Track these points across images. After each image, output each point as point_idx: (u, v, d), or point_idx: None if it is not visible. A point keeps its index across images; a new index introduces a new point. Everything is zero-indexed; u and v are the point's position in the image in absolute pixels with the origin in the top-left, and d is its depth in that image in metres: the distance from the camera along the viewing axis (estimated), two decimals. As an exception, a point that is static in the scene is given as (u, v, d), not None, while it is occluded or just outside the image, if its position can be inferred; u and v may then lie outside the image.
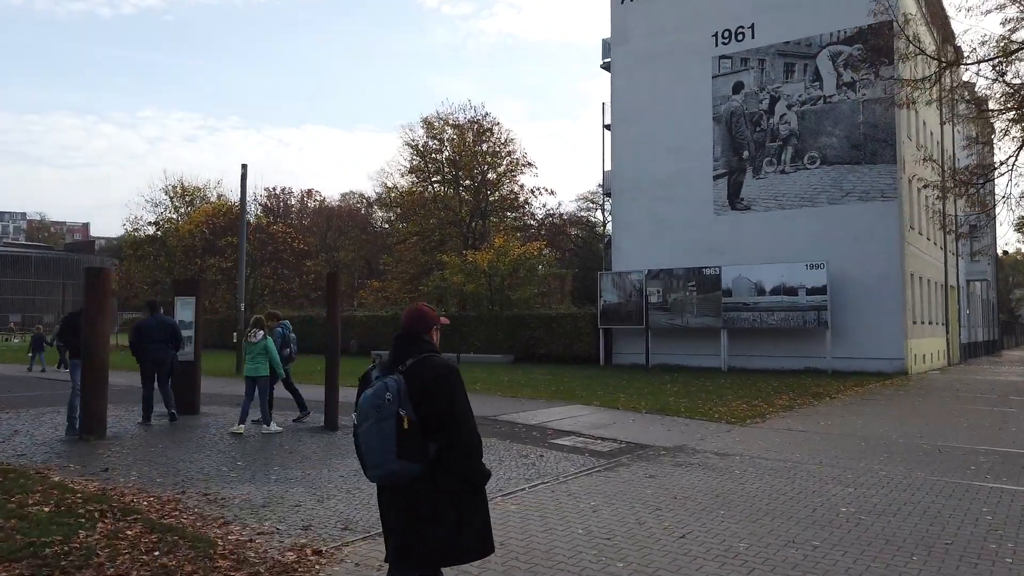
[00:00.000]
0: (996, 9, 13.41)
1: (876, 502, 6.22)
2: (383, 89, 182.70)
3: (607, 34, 28.07)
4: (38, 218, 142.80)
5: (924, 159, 20.63)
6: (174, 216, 48.51)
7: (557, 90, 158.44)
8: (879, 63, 21.47)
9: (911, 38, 14.16)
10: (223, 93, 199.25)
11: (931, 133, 27.46)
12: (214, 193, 50.03)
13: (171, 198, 48.73)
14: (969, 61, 13.15)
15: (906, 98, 14.41)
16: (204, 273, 43.04)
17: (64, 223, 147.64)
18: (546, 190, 56.88)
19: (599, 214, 48.72)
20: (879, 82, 21.41)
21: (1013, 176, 13.72)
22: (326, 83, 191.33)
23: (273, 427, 9.40)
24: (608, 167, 28.32)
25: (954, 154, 28.06)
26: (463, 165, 44.58)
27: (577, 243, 52.37)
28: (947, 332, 28.50)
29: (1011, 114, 15.75)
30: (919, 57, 15.55)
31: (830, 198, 22.53)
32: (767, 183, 23.64)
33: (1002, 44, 13.77)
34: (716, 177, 24.53)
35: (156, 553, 4.57)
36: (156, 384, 9.96)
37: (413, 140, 46.01)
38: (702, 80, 24.93)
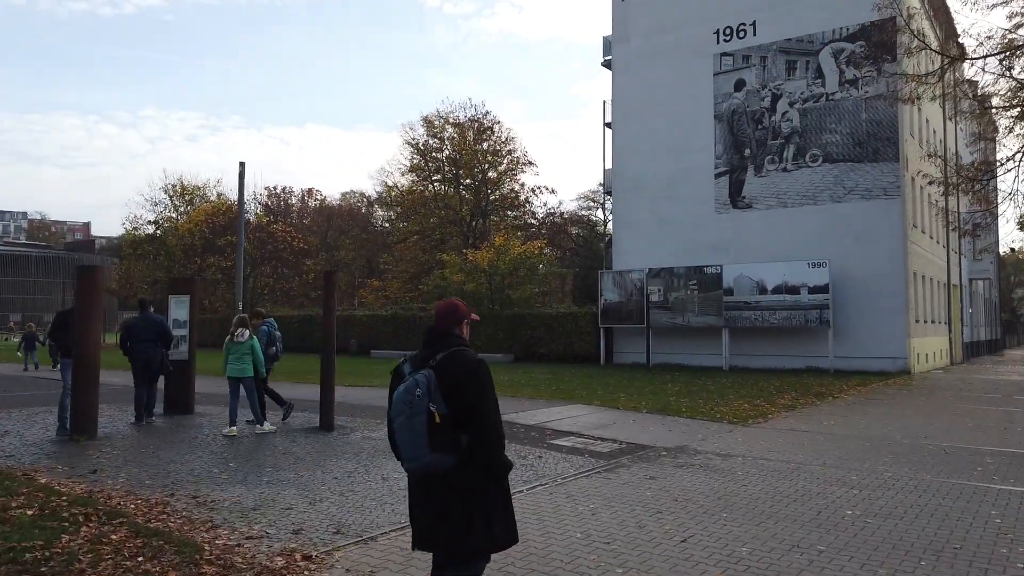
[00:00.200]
0: (1002, 3, 13.23)
1: (882, 504, 6.08)
2: (384, 88, 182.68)
3: (608, 32, 27.92)
4: (39, 217, 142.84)
5: (929, 155, 20.45)
6: (174, 215, 48.39)
7: (558, 89, 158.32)
8: (882, 60, 21.31)
9: (916, 32, 13.98)
10: (224, 93, 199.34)
11: (934, 131, 27.29)
12: (214, 192, 49.92)
13: (171, 197, 48.62)
14: (975, 56, 12.97)
15: (910, 93, 14.23)
16: (204, 272, 42.93)
17: (65, 223, 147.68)
18: (547, 189, 57.06)
19: (600, 213, 48.56)
20: (882, 79, 21.25)
21: (1020, 173, 13.53)
22: (328, 83, 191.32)
23: (267, 426, 9.26)
24: (609, 165, 28.17)
25: (957, 152, 27.86)
26: (463, 164, 44.44)
27: (578, 242, 52.21)
28: (950, 331, 28.34)
29: (1015, 111, 15.58)
30: (923, 53, 15.39)
31: (832, 196, 22.37)
32: (769, 181, 23.47)
33: (1008, 39, 13.60)
34: (717, 175, 24.36)
35: (140, 559, 4.43)
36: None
37: (413, 139, 45.93)
38: (703, 77, 24.77)
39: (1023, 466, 7.74)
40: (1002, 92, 14.52)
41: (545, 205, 56.82)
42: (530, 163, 46.50)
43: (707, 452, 8.39)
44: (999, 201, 16.33)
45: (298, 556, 4.62)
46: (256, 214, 48.71)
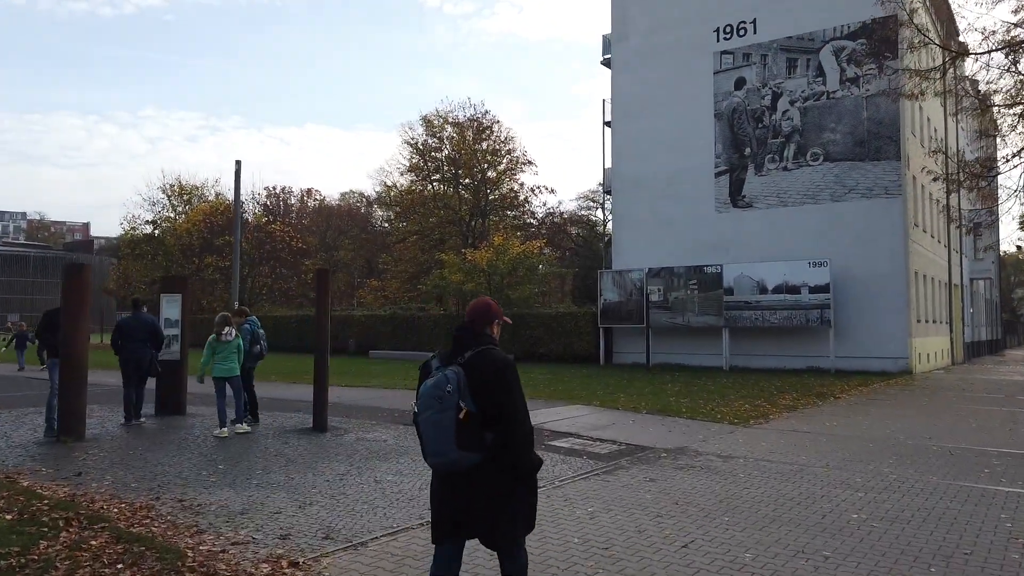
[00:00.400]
0: (1006, -3, 13.05)
1: (888, 508, 5.91)
2: (384, 89, 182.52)
3: (608, 30, 27.76)
4: (38, 218, 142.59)
5: (934, 151, 20.30)
6: (171, 215, 48.21)
7: (558, 89, 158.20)
8: (883, 58, 21.15)
9: (920, 27, 13.82)
10: (224, 93, 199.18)
11: (935, 129, 27.13)
12: (212, 192, 49.74)
13: (168, 197, 48.44)
14: (979, 51, 12.82)
15: (913, 88, 14.06)
16: (202, 272, 42.75)
17: (64, 223, 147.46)
18: (546, 188, 56.81)
19: (600, 213, 48.40)
20: (883, 76, 21.10)
21: None
22: (328, 83, 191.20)
23: (243, 427, 9.05)
24: (608, 165, 28.00)
25: (958, 150, 27.73)
26: (463, 163, 44.27)
27: (577, 242, 52.07)
28: (951, 331, 28.18)
29: (1019, 108, 15.42)
30: (926, 48, 15.23)
31: (833, 195, 22.21)
32: (769, 180, 23.32)
33: (1011, 35, 13.44)
34: (718, 174, 24.20)
35: (120, 566, 4.26)
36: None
37: (412, 138, 45.76)
38: (703, 76, 24.61)
39: (1031, 468, 7.57)
40: (1007, 88, 14.35)
41: (544, 205, 56.67)
42: (529, 163, 46.35)
43: (708, 453, 8.23)
44: (1004, 198, 16.19)
45: (284, 563, 4.45)
46: (254, 214, 48.51)
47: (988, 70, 12.79)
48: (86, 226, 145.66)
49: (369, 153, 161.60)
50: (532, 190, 47.18)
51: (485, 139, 44.92)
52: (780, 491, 6.45)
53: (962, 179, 15.48)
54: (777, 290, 21.53)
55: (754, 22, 23.89)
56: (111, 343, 9.91)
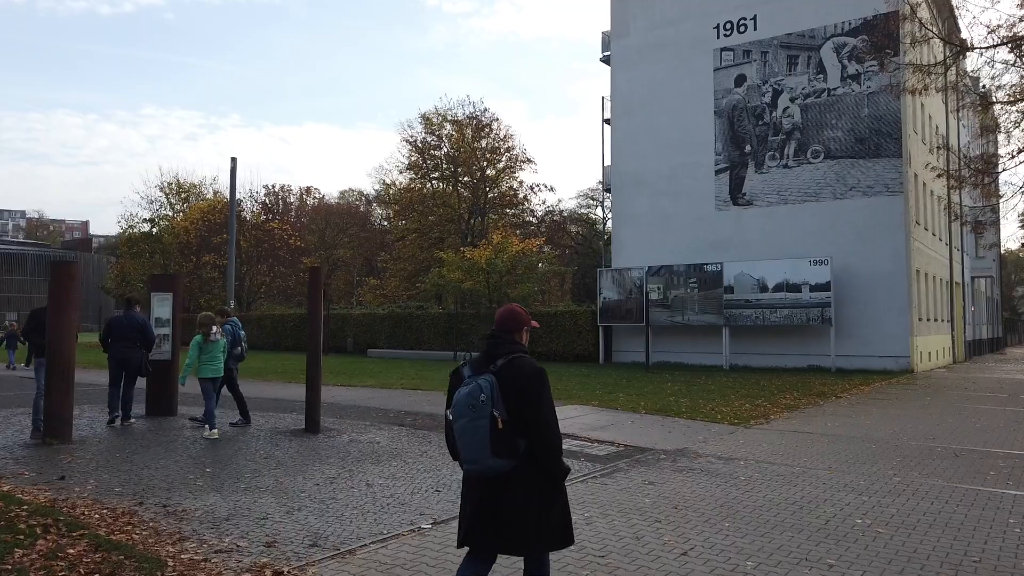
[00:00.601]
0: (1011, -10, 12.87)
1: (893, 512, 5.75)
2: (384, 87, 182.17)
3: (607, 28, 27.56)
4: (36, 216, 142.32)
5: (938, 147, 20.13)
6: (169, 213, 47.99)
7: (558, 87, 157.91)
8: (884, 55, 20.96)
9: (923, 21, 13.65)
10: (224, 91, 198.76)
11: (936, 127, 26.95)
12: (210, 190, 49.50)
13: (166, 195, 48.23)
14: (983, 45, 12.64)
15: (917, 84, 13.89)
16: (200, 270, 42.57)
17: (63, 221, 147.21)
18: (545, 186, 56.41)
19: (599, 211, 48.20)
20: (885, 73, 20.91)
21: None
22: (327, 81, 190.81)
23: (215, 432, 8.82)
24: (608, 162, 27.81)
25: (959, 148, 27.56)
26: (462, 161, 44.07)
27: (577, 240, 51.89)
28: (952, 329, 28.01)
29: (1022, 105, 15.25)
30: (927, 45, 15.08)
31: (834, 193, 22.04)
32: (769, 178, 23.15)
33: (1013, 31, 13.26)
34: (718, 172, 24.03)
35: (96, 575, 4.09)
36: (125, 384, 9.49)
37: (411, 136, 45.56)
38: (703, 73, 24.43)
39: (1038, 470, 7.41)
40: (1011, 84, 14.17)
41: (544, 203, 56.54)
42: (528, 160, 46.16)
43: (708, 455, 8.06)
44: (1009, 195, 16.02)
45: (268, 572, 4.29)
46: (252, 212, 48.29)
47: (993, 65, 12.61)
48: (85, 224, 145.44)
49: (368, 152, 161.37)
50: (531, 188, 47.06)
51: (484, 137, 44.72)
52: (782, 495, 6.29)
53: (966, 175, 15.30)
54: (778, 288, 21.37)
55: (754, 18, 23.71)
56: (100, 341, 9.76)
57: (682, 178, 24.46)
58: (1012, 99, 15.11)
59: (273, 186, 56.58)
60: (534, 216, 49.18)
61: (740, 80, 23.89)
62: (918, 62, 15.23)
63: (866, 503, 6.03)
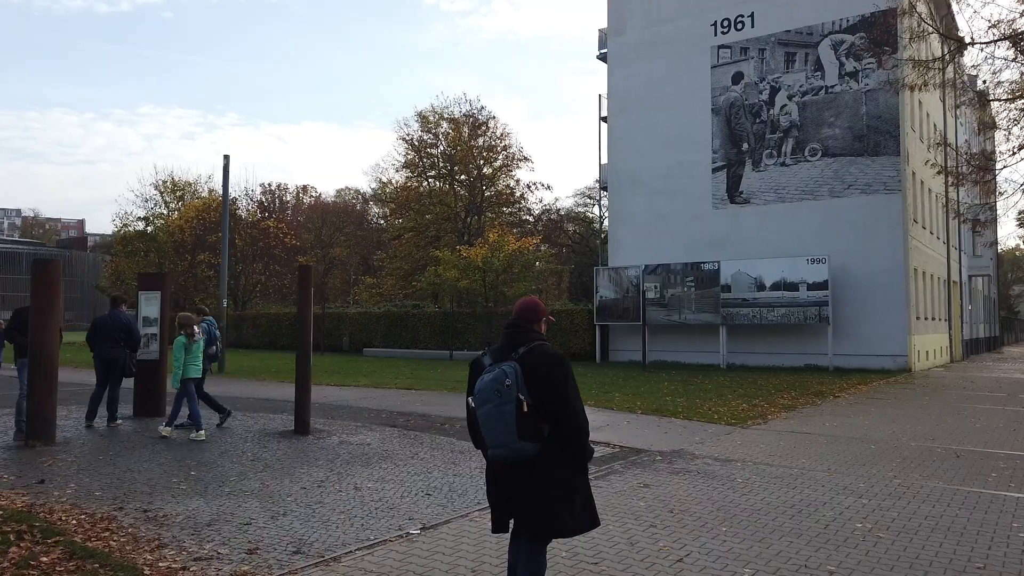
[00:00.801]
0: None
1: (894, 516, 5.61)
2: (382, 86, 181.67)
3: (604, 25, 27.40)
4: (32, 215, 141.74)
5: (937, 144, 20.01)
6: (164, 211, 47.72)
7: (555, 86, 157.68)
8: (882, 52, 20.84)
9: (923, 16, 13.51)
10: (221, 90, 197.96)
11: (934, 125, 26.85)
12: (205, 188, 49.23)
13: (161, 193, 47.93)
14: (983, 40, 12.52)
15: (916, 79, 13.76)
16: (195, 269, 42.32)
17: (59, 220, 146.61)
18: (542, 185, 56.14)
19: (596, 209, 48.05)
20: (883, 70, 20.79)
21: None
22: (325, 80, 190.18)
23: (170, 431, 8.65)
24: (605, 160, 27.67)
25: (957, 146, 27.48)
26: (458, 160, 43.90)
27: (574, 239, 51.75)
28: (950, 328, 27.93)
29: (1022, 102, 15.13)
30: (925, 42, 14.95)
31: (831, 191, 21.93)
32: (767, 176, 23.02)
33: (1013, 27, 13.13)
34: (715, 170, 23.90)
35: (68, 585, 3.93)
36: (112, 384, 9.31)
37: (408, 135, 45.37)
38: (700, 70, 24.29)
39: (1040, 472, 7.28)
40: (1011, 80, 14.04)
41: (541, 202, 56.44)
42: (525, 159, 46.02)
43: (705, 457, 7.92)
44: (1010, 192, 15.91)
45: (248, 581, 4.13)
46: (248, 210, 48.03)
47: (993, 60, 12.47)
48: (81, 223, 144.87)
49: (366, 150, 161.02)
50: (528, 186, 46.90)
51: (481, 135, 44.55)
52: (780, 498, 6.15)
53: (966, 171, 15.19)
54: (775, 287, 21.25)
55: (752, 16, 23.57)
56: (86, 340, 9.60)
57: (679, 176, 24.32)
58: (1011, 96, 14.98)
59: (269, 184, 56.35)
60: (531, 215, 49.05)
61: (737, 78, 23.76)
62: (917, 58, 15.10)
63: (866, 506, 5.89)
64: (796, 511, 5.74)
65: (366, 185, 73.84)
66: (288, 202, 60.41)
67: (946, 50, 14.74)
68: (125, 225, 46.58)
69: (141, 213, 47.06)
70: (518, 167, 45.87)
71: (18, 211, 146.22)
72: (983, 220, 18.87)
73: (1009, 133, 14.75)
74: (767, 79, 23.20)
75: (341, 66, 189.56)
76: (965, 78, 18.12)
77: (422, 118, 44.64)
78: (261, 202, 52.70)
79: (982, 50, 12.58)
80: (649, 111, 25.14)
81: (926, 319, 23.77)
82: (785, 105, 22.85)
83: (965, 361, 29.09)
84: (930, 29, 13.57)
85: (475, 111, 44.27)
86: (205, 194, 47.86)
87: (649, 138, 25.04)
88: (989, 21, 12.49)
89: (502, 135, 45.06)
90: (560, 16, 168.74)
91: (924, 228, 24.07)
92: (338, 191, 67.00)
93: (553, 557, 4.60)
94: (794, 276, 20.96)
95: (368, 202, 59.96)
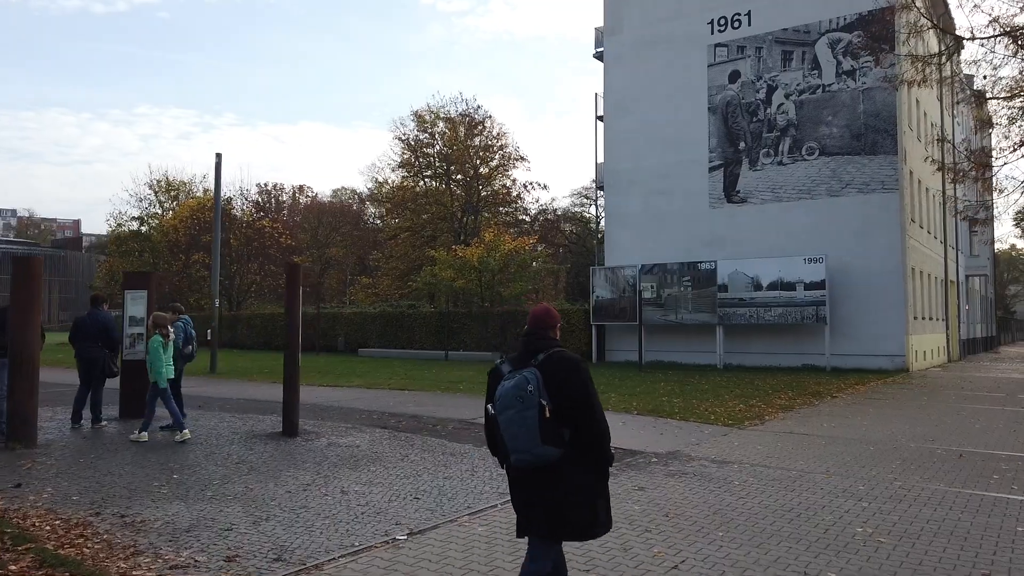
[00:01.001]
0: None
1: (895, 520, 5.46)
2: (379, 85, 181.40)
3: (600, 23, 27.25)
4: (27, 215, 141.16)
5: (937, 139, 19.90)
6: (159, 211, 47.46)
7: (552, 85, 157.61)
8: (880, 49, 20.72)
9: (922, 10, 13.38)
10: (219, 90, 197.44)
11: (932, 124, 26.76)
12: (200, 188, 48.97)
13: (156, 193, 47.67)
14: (983, 35, 12.39)
15: (915, 75, 13.62)
16: (189, 269, 42.10)
17: (55, 220, 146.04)
18: (539, 185, 55.84)
19: (593, 209, 47.90)
20: (880, 68, 20.68)
21: None
22: (322, 80, 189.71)
23: (144, 436, 8.44)
24: (601, 160, 27.52)
25: (954, 144, 27.40)
26: (454, 159, 43.71)
27: (571, 239, 51.58)
28: (947, 328, 27.84)
29: (1020, 100, 15.01)
30: (921, 39, 14.82)
31: (829, 190, 21.80)
32: (764, 175, 22.89)
33: (1016, 20, 13.00)
34: (711, 169, 23.76)
35: (35, 595, 3.76)
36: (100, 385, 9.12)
37: (404, 134, 45.15)
38: (697, 69, 24.15)
39: (1043, 474, 7.14)
40: (1011, 76, 13.92)
41: (538, 201, 56.21)
42: (522, 158, 45.84)
43: (701, 458, 7.77)
44: (1011, 190, 15.80)
45: (224, 590, 3.96)
46: (243, 210, 47.80)
47: (993, 54, 12.35)
48: (77, 223, 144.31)
49: (366, 151, 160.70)
50: (525, 186, 46.72)
51: (477, 135, 44.37)
52: (778, 501, 5.99)
53: (967, 168, 15.06)
54: (772, 287, 21.12)
55: (748, 14, 23.44)
56: (68, 340, 9.42)
57: (676, 176, 24.18)
58: (1010, 94, 14.87)
59: (265, 184, 56.12)
60: (527, 215, 48.87)
61: (734, 76, 23.63)
62: (915, 54, 14.98)
63: (866, 510, 5.74)
64: (795, 515, 5.58)
65: (362, 185, 73.60)
66: (284, 202, 60.20)
67: (944, 46, 14.61)
68: (119, 225, 46.34)
69: (135, 213, 46.83)
70: (514, 167, 45.73)
71: (13, 211, 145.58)
72: (982, 218, 18.73)
73: (1009, 131, 14.64)
74: (764, 78, 23.07)
75: (338, 66, 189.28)
76: (962, 76, 18.03)
77: (418, 118, 44.47)
78: (257, 202, 52.47)
79: (983, 45, 12.46)
80: (646, 110, 24.99)
81: (924, 319, 23.66)
82: (782, 104, 22.73)
83: (962, 361, 29.00)
84: (929, 24, 13.42)
85: (471, 110, 44.12)
86: (200, 194, 47.63)
87: (646, 137, 24.90)
88: (990, 15, 12.38)
89: (498, 135, 44.94)
90: (557, 16, 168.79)
91: (921, 227, 23.97)
92: (334, 191, 66.80)
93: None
94: (791, 276, 20.83)
95: (364, 202, 59.74)
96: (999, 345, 49.13)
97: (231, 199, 45.09)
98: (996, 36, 11.97)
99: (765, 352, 21.70)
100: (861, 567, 4.44)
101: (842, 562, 4.53)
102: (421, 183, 45.60)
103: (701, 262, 22.46)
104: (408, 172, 46.15)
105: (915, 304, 22.16)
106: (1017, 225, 38.69)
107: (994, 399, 14.05)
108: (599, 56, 27.40)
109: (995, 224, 37.57)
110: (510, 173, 45.70)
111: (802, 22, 22.51)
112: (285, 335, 8.32)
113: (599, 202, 39.36)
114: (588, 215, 49.79)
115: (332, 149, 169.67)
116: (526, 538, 3.41)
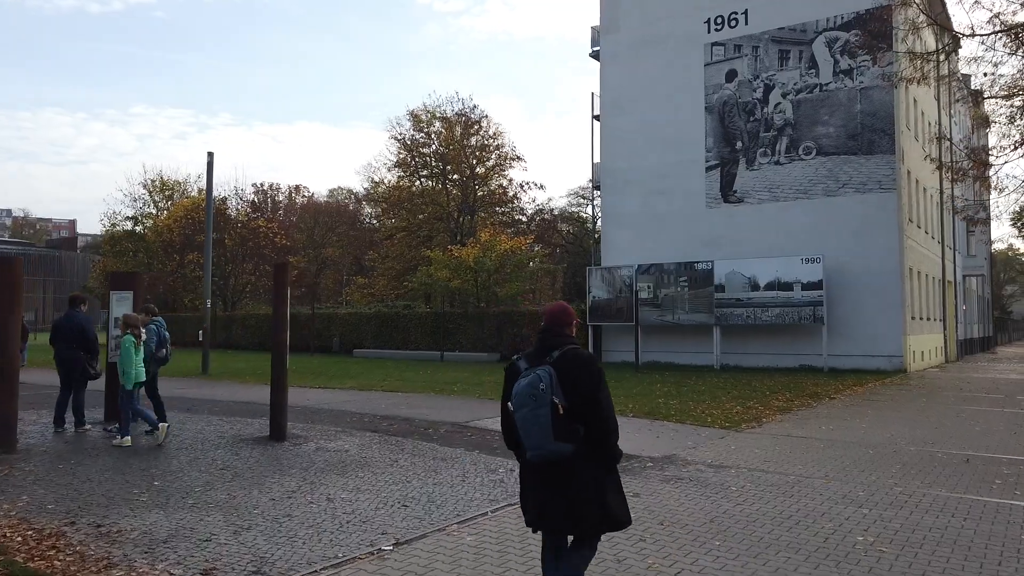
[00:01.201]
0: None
1: (896, 527, 5.30)
2: (376, 85, 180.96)
3: (596, 22, 27.10)
4: (22, 215, 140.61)
5: (937, 137, 19.78)
6: (153, 211, 47.17)
7: (549, 85, 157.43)
8: (877, 48, 20.60)
9: (920, 7, 13.24)
10: (215, 90, 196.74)
11: (930, 124, 26.66)
12: (195, 188, 48.67)
13: (150, 192, 47.38)
14: (983, 32, 12.25)
15: (914, 73, 13.49)
16: (183, 269, 41.84)
17: (50, 220, 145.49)
18: (535, 184, 55.64)
19: (590, 209, 47.75)
20: (878, 67, 20.55)
21: None
22: (318, 80, 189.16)
23: (128, 440, 8.27)
24: (598, 160, 27.36)
25: (951, 143, 27.33)
26: (451, 159, 43.50)
27: (568, 239, 51.42)
28: (944, 328, 27.74)
29: (1019, 99, 14.89)
30: (919, 37, 14.68)
31: (826, 190, 21.67)
32: (761, 175, 22.76)
33: (1016, 18, 12.88)
34: (708, 169, 23.62)
35: (-2, 613, 3.58)
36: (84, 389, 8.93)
37: (400, 134, 44.93)
38: (694, 68, 24.00)
39: (1046, 478, 6.99)
40: (1010, 73, 13.80)
41: (534, 201, 56.01)
42: (518, 158, 45.64)
43: (697, 463, 7.61)
44: (1012, 189, 15.68)
45: (198, 606, 3.78)
46: (237, 210, 47.52)
47: (993, 52, 12.21)
48: (72, 223, 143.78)
49: (360, 150, 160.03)
50: (521, 186, 46.52)
51: (474, 134, 44.16)
52: (776, 507, 5.83)
53: (967, 166, 14.93)
54: (769, 287, 20.99)
55: (745, 13, 23.30)
56: (49, 342, 9.23)
57: (672, 175, 24.03)
58: (1008, 93, 14.74)
59: (261, 184, 55.84)
60: (524, 215, 48.68)
61: (731, 75, 23.49)
62: (914, 51, 14.85)
63: (867, 517, 5.58)
64: (793, 523, 5.43)
65: (359, 185, 73.31)
66: (280, 202, 59.90)
67: (942, 43, 14.48)
68: (114, 225, 46.07)
69: (130, 213, 46.55)
70: (511, 167, 45.52)
71: (8, 211, 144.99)
72: (980, 218, 18.64)
73: (1009, 129, 14.51)
74: (761, 77, 22.94)
75: (335, 66, 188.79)
76: (959, 75, 17.92)
77: (414, 117, 44.25)
78: (253, 202, 52.19)
79: (983, 42, 12.31)
80: (642, 110, 24.84)
81: (921, 319, 23.55)
82: (779, 103, 22.59)
83: (960, 361, 28.91)
84: (927, 21, 13.28)
85: (467, 110, 43.91)
86: (195, 193, 47.33)
87: (642, 137, 24.75)
88: (990, 11, 12.23)
89: (495, 134, 44.72)
90: (553, 15, 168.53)
91: (919, 227, 23.86)
92: (331, 191, 66.54)
93: (534, 574, 4.27)
94: (788, 276, 20.70)
95: (361, 202, 59.50)
96: (996, 345, 49.09)
97: (226, 199, 44.82)
98: (996, 33, 11.84)
99: (762, 353, 21.57)
100: (862, 579, 4.28)
101: (842, 573, 4.37)
102: (417, 183, 45.38)
103: (698, 262, 22.32)
104: (404, 172, 45.94)
105: (913, 304, 22.04)
106: (1014, 225, 38.57)
107: (993, 400, 13.92)
108: (595, 55, 27.24)
109: (993, 224, 37.53)
110: (507, 173, 45.54)
111: (799, 21, 22.38)
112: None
113: (596, 202, 39.25)
114: (585, 215, 49.66)
115: (329, 149, 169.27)
116: (524, 543, 3.46)
